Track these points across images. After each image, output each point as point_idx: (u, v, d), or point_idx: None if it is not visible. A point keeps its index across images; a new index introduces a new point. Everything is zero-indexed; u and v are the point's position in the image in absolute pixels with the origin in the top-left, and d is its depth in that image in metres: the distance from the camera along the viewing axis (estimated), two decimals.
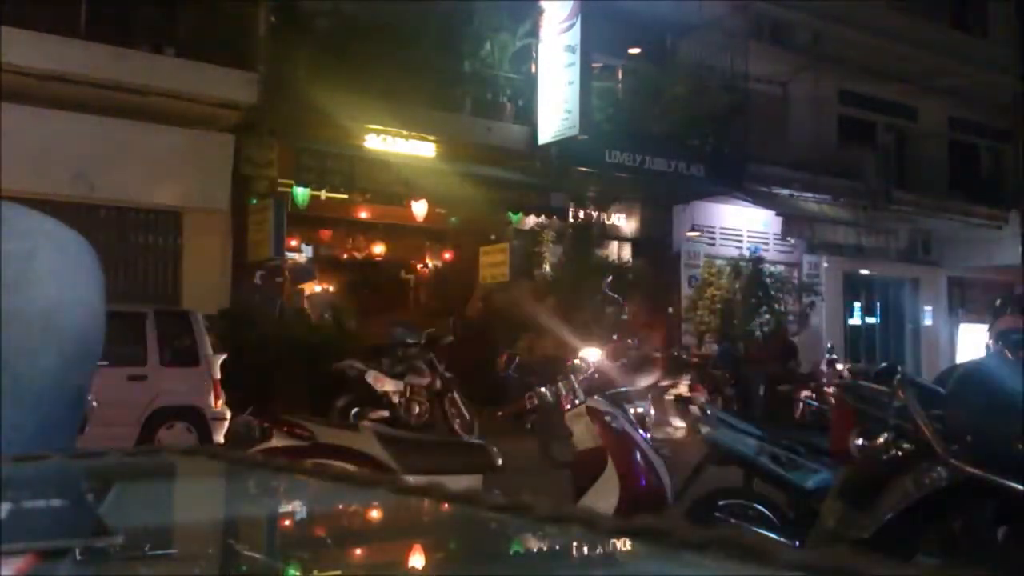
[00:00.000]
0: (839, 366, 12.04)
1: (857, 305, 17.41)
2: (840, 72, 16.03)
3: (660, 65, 13.52)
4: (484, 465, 3.77)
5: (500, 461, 3.79)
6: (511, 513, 0.46)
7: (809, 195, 15.04)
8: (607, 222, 13.49)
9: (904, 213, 16.18)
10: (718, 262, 14.76)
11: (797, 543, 3.47)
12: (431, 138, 10.87)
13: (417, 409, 9.26)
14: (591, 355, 5.33)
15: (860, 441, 3.25)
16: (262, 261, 10.02)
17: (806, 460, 4.08)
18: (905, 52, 16.20)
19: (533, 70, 11.85)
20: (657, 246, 14.11)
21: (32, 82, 8.33)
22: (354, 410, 8.54)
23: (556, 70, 11.55)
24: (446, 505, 0.53)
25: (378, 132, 10.47)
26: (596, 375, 3.92)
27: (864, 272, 17.01)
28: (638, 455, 3.53)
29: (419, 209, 11.07)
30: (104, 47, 8.66)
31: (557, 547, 0.52)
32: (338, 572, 0.56)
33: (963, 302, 18.94)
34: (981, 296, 18.84)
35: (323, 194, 10.57)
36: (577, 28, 11.36)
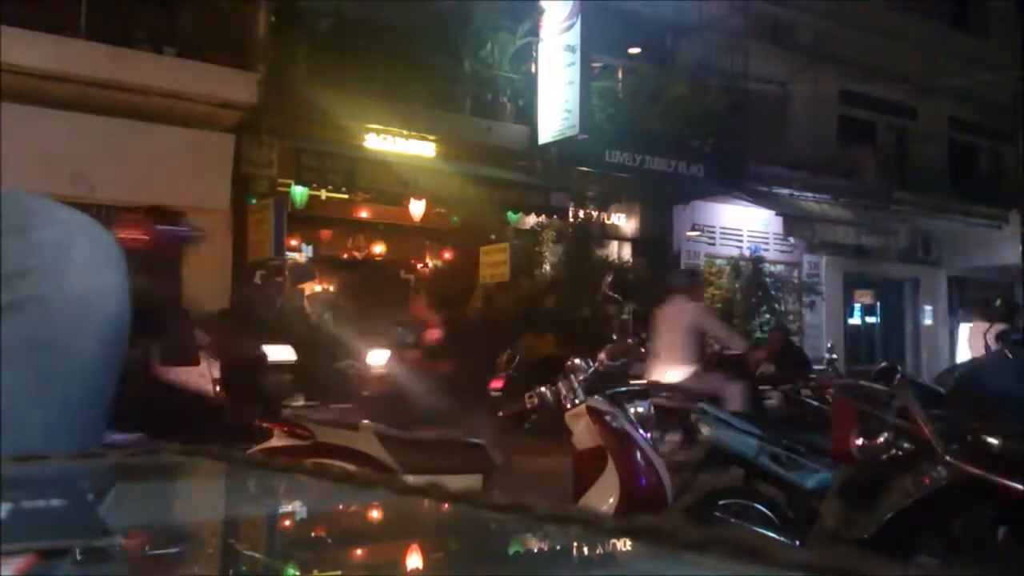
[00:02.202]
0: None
1: (857, 305, 17.42)
2: (840, 72, 16.03)
3: (660, 65, 13.51)
4: (484, 465, 3.77)
5: (500, 461, 3.79)
6: (511, 513, 0.46)
7: (809, 195, 15.05)
8: (607, 222, 13.49)
9: (904, 213, 16.19)
10: (718, 262, 14.76)
11: (797, 543, 3.47)
12: (431, 138, 10.86)
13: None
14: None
15: (860, 441, 3.25)
16: (262, 261, 10.02)
17: (806, 460, 4.09)
18: (905, 52, 16.21)
19: (533, 70, 11.85)
20: (657, 246, 14.11)
21: (32, 82, 8.33)
22: None
23: (556, 70, 11.55)
24: (446, 505, 0.53)
25: (378, 132, 10.46)
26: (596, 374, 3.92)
27: (864, 272, 17.01)
28: (638, 455, 3.53)
29: (418, 209, 11.07)
30: (104, 47, 8.66)
31: (557, 547, 0.52)
32: (338, 572, 0.56)
33: (963, 302, 18.94)
34: (981, 296, 18.86)
35: (323, 194, 10.57)
36: (577, 28, 11.36)
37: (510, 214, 11.92)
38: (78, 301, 0.81)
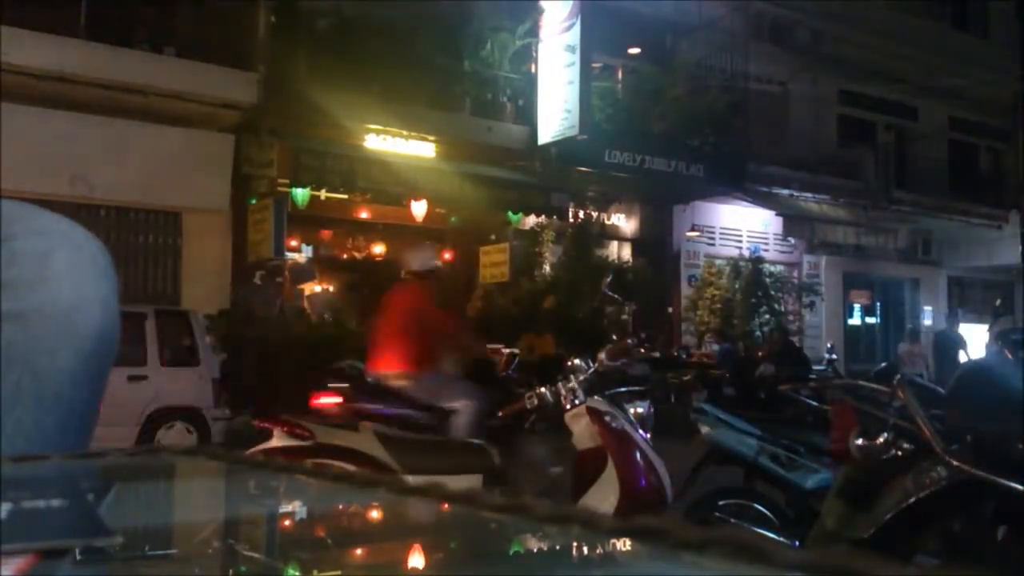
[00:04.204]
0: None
1: (857, 305, 17.42)
2: (840, 72, 16.04)
3: (660, 65, 13.52)
4: (484, 465, 3.77)
5: (499, 461, 3.79)
6: (511, 513, 0.46)
7: (809, 195, 15.05)
8: (607, 222, 13.50)
9: (904, 213, 16.19)
10: (718, 262, 14.77)
11: (797, 543, 3.47)
12: (431, 138, 10.87)
13: None
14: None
15: (860, 441, 3.25)
16: (262, 261, 10.02)
17: (806, 460, 4.09)
18: (905, 52, 16.21)
19: (533, 70, 11.86)
20: (657, 246, 14.11)
21: (32, 82, 8.33)
22: None
23: (556, 70, 11.56)
24: (446, 505, 0.53)
25: (378, 132, 10.47)
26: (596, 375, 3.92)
27: (864, 272, 17.02)
28: (638, 455, 3.52)
29: (419, 209, 11.07)
30: (104, 47, 8.66)
31: (557, 547, 0.52)
32: (338, 572, 0.56)
33: (963, 302, 18.95)
34: (981, 296, 18.87)
35: (323, 194, 10.57)
36: (577, 28, 11.36)
37: (510, 214, 11.92)
38: (58, 315, 0.76)
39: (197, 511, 0.67)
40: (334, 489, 0.61)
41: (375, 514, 0.63)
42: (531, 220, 12.31)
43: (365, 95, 9.87)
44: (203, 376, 8.01)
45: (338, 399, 4.78)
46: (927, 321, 18.39)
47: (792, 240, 15.43)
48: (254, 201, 10.03)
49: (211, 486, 0.73)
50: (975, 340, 13.04)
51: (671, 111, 12.74)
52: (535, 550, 0.52)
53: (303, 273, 11.18)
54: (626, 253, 14.02)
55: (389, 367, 5.21)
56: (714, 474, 4.37)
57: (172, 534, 0.57)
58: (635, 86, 13.24)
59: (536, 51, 11.83)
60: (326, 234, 12.34)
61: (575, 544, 0.51)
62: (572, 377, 3.70)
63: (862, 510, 3.03)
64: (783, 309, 14.94)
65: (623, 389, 4.15)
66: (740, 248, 15.10)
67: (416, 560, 0.55)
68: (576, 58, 11.33)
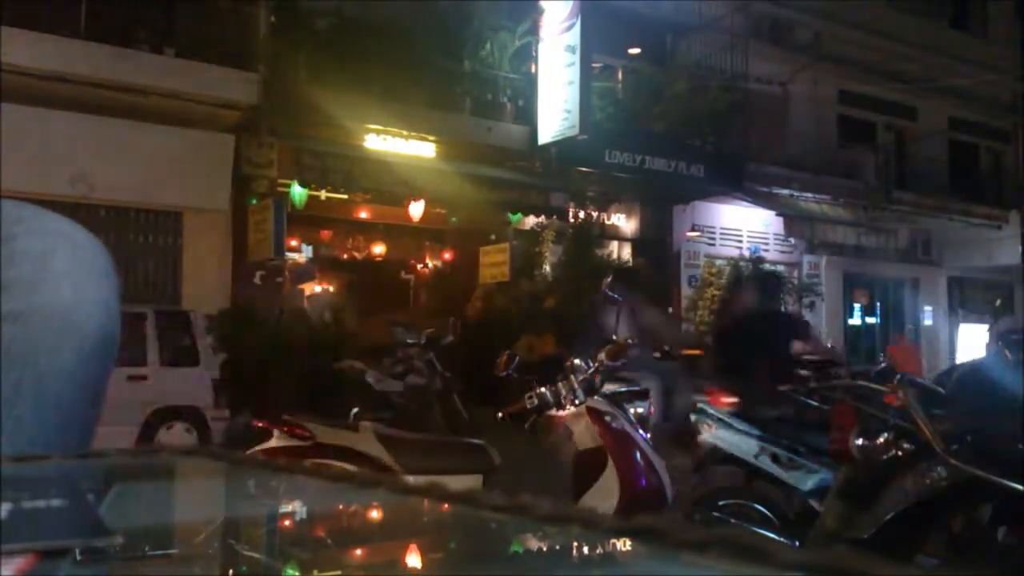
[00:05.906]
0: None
1: (857, 305, 17.42)
2: (840, 72, 16.04)
3: (660, 65, 13.52)
4: (484, 465, 3.77)
5: (499, 461, 3.79)
6: (511, 513, 0.46)
7: (809, 195, 15.05)
8: (607, 222, 13.49)
9: (904, 213, 16.19)
10: (718, 262, 14.76)
11: (797, 543, 3.46)
12: (431, 138, 10.86)
13: (417, 409, 9.25)
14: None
15: (860, 441, 3.25)
16: (262, 261, 10.02)
17: (806, 460, 4.08)
18: (905, 52, 16.21)
19: (533, 70, 11.86)
20: (657, 246, 14.11)
21: (32, 82, 8.33)
22: (354, 410, 8.53)
23: (556, 70, 11.55)
24: (446, 505, 0.53)
25: (378, 132, 10.47)
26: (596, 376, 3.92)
27: (864, 272, 17.02)
28: (638, 455, 3.52)
29: (417, 209, 11.07)
30: (104, 47, 8.66)
31: (557, 547, 0.52)
32: (338, 572, 0.56)
33: (963, 302, 18.95)
34: (981, 296, 18.87)
35: (323, 194, 10.57)
36: (577, 28, 11.36)
37: (510, 214, 11.92)
38: (58, 315, 0.76)
39: (197, 511, 0.67)
40: (334, 489, 0.61)
41: (375, 514, 0.63)
42: (531, 220, 12.30)
43: (365, 95, 9.87)
44: (203, 376, 8.01)
45: None
46: (927, 321, 18.39)
47: (792, 240, 15.43)
48: (254, 201, 10.03)
49: (211, 486, 0.73)
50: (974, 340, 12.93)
51: (671, 111, 12.74)
52: (535, 550, 0.52)
53: (303, 273, 11.17)
54: (626, 253, 14.02)
55: None
56: (714, 474, 4.38)
57: (172, 534, 0.57)
58: (635, 86, 13.24)
59: (536, 51, 11.83)
60: (326, 234, 12.35)
61: (575, 544, 0.51)
62: (572, 377, 3.70)
63: (862, 510, 3.03)
64: (783, 309, 14.92)
65: (623, 389, 4.14)
66: (740, 248, 15.09)
67: (416, 560, 0.55)
68: (576, 58, 11.33)
